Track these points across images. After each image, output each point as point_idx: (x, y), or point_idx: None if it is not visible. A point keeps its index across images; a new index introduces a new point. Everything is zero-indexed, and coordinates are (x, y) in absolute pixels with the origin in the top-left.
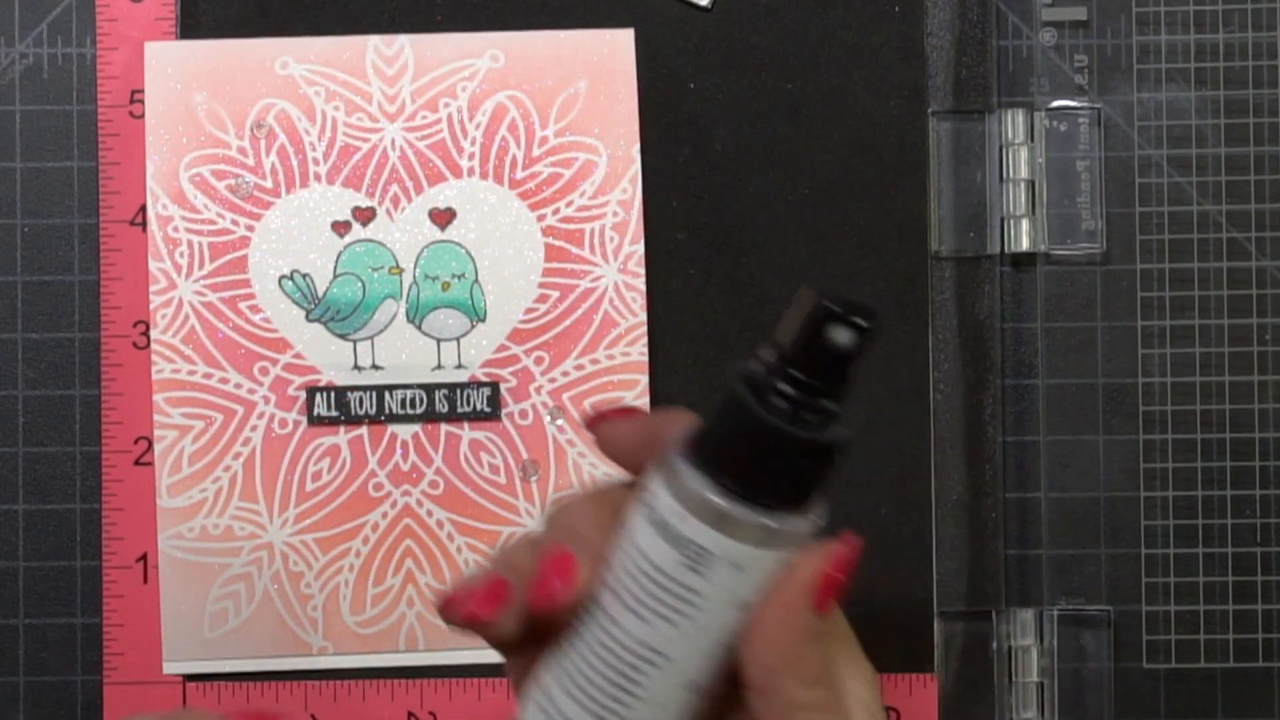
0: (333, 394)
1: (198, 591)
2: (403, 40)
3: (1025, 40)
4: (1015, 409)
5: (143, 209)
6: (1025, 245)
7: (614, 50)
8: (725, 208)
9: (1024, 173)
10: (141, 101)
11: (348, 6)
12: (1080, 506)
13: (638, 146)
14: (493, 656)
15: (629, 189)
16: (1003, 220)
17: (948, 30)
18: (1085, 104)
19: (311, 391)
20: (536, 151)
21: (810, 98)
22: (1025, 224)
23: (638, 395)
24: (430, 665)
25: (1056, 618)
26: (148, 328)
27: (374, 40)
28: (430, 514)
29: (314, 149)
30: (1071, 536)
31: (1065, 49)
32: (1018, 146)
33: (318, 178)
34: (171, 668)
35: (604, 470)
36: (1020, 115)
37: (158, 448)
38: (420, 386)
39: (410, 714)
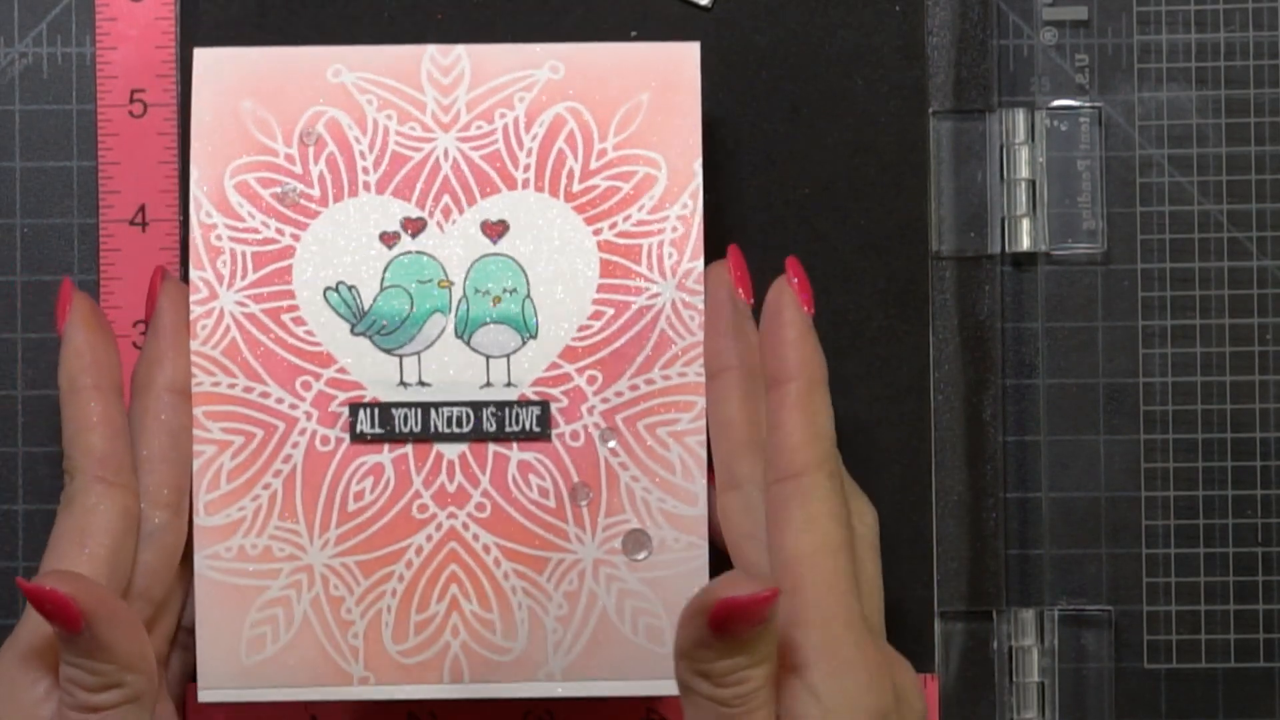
0: (376, 410)
1: (235, 615)
2: (460, 50)
3: (1026, 40)
4: (1016, 409)
5: (142, 209)
6: (1026, 245)
7: (678, 63)
8: (725, 208)
9: (1024, 172)
10: (142, 101)
11: (348, 6)
12: (1081, 506)
13: (699, 161)
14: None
15: (689, 204)
16: (1003, 220)
17: (948, 30)
18: (1086, 103)
19: (355, 408)
20: (595, 164)
21: (810, 98)
22: (1026, 224)
23: (694, 417)
24: (476, 699)
25: (1057, 618)
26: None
27: (430, 50)
28: (476, 538)
29: (364, 158)
30: (1072, 536)
31: (1066, 48)
32: (1018, 146)
33: (367, 187)
34: (208, 696)
35: (659, 495)
36: (1021, 115)
37: (196, 463)
38: (467, 404)
39: (410, 714)
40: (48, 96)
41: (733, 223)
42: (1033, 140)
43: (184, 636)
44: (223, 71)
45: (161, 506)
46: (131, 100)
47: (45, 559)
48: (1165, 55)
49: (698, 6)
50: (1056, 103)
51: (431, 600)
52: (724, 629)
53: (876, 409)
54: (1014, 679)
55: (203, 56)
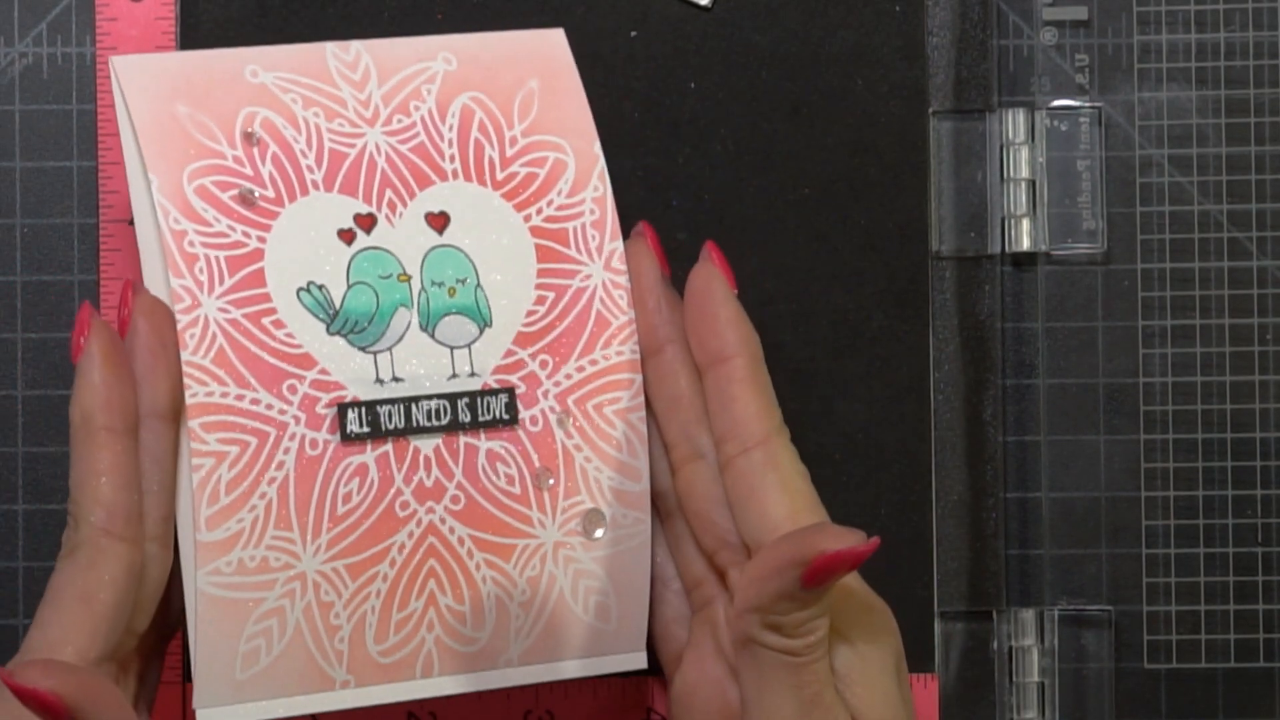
0: (364, 409)
1: (233, 630)
2: (357, 45)
3: (1026, 40)
4: (1016, 409)
5: None
6: (1026, 245)
7: (550, 49)
8: (725, 208)
9: (1025, 172)
10: None
11: (348, 6)
12: (1081, 506)
13: (598, 143)
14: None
15: (600, 186)
16: (1003, 220)
17: (948, 30)
18: (1086, 103)
19: (344, 408)
20: (510, 151)
21: (810, 98)
22: (1026, 224)
23: (634, 394)
24: (475, 697)
25: (1057, 618)
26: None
27: (330, 46)
28: (452, 531)
29: (305, 156)
30: (1072, 536)
31: (1066, 48)
32: (1018, 146)
33: (315, 185)
34: (205, 716)
35: (609, 473)
36: (1021, 115)
37: (195, 477)
38: (443, 397)
39: (410, 714)
40: (48, 96)
41: (734, 223)
42: (1033, 140)
43: (162, 644)
44: (148, 77)
45: (149, 540)
46: None
47: (44, 609)
48: (1165, 55)
49: (698, 6)
50: (1056, 103)
51: (411, 597)
52: (821, 582)
53: (876, 409)
54: (1014, 679)
55: (123, 64)
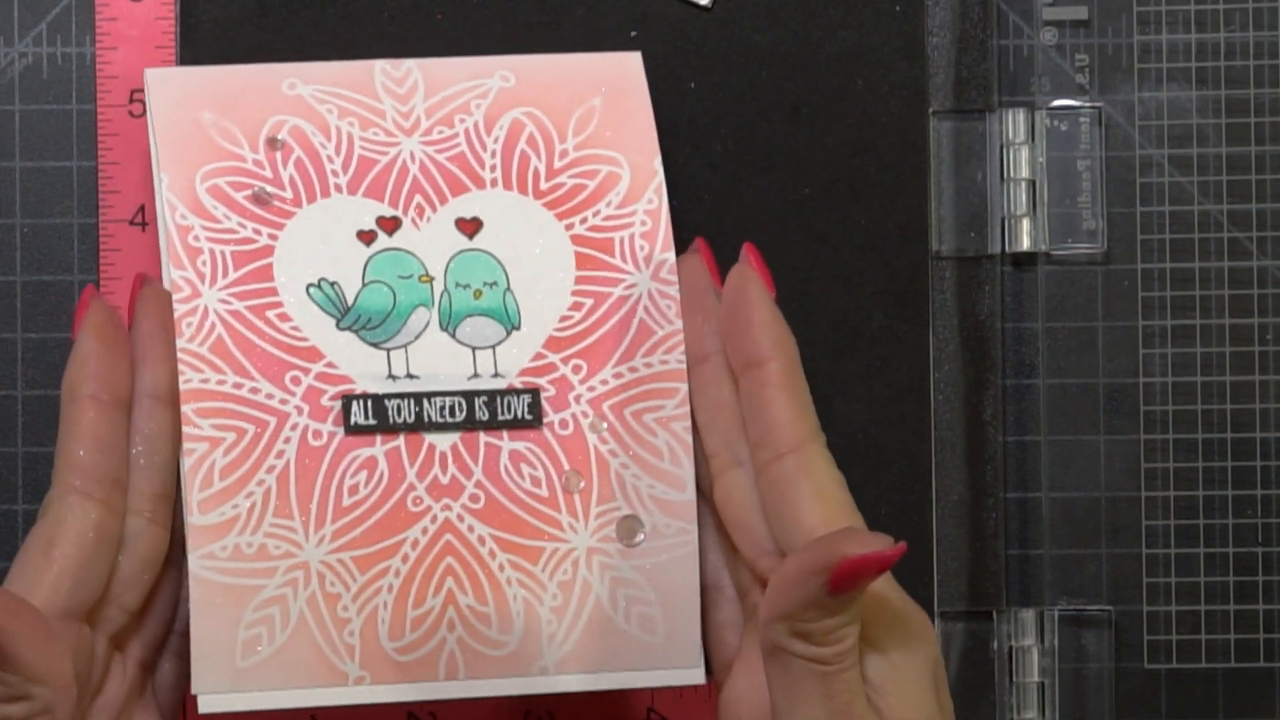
0: (370, 402)
1: (230, 616)
2: (410, 63)
3: (1026, 39)
4: (1016, 409)
5: (142, 209)
6: (1026, 245)
7: (624, 72)
8: (725, 208)
9: (1025, 172)
10: (141, 101)
11: (348, 6)
12: (1081, 506)
13: (659, 159)
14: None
15: (654, 199)
16: (1003, 220)
17: (948, 30)
18: (1086, 103)
19: (348, 400)
20: (558, 164)
21: (810, 98)
22: (1026, 224)
23: (678, 404)
24: (476, 699)
25: (1057, 618)
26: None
27: (381, 63)
28: (471, 529)
29: (331, 161)
30: (1072, 536)
31: (1066, 48)
32: (1018, 146)
33: (338, 189)
34: (206, 702)
35: (649, 481)
36: (1021, 115)
37: (187, 461)
38: (459, 394)
39: (410, 715)
40: (48, 96)
41: (734, 223)
42: (1033, 140)
43: (178, 642)
44: (177, 88)
45: (136, 513)
46: (131, 100)
47: (13, 564)
48: (1165, 55)
49: (698, 6)
50: (1056, 103)
51: (428, 595)
52: (847, 587)
53: (876, 409)
54: (1014, 679)
55: (154, 76)
